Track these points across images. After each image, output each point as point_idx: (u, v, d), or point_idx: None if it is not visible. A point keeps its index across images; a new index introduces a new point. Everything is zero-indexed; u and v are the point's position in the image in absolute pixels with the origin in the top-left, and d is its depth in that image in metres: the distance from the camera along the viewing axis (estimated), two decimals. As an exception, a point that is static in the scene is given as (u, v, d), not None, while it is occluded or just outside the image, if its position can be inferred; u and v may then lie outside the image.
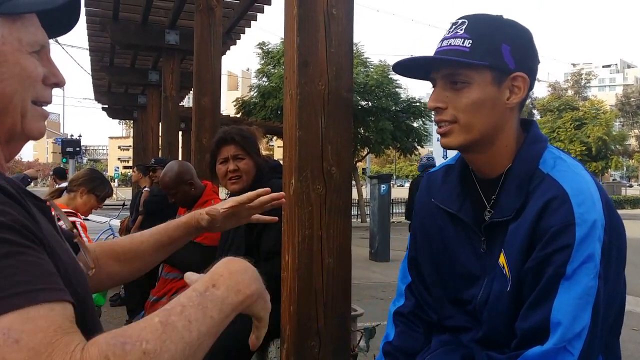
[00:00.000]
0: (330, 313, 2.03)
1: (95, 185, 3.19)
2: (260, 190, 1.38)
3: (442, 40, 1.21)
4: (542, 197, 1.13)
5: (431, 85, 1.25)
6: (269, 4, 6.38)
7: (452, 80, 1.19)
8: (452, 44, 1.18)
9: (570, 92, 41.88)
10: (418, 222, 1.43)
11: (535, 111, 38.25)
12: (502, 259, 1.18)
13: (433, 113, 1.26)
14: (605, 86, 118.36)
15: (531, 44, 1.22)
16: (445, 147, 1.27)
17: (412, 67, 1.29)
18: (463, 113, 1.19)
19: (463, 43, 1.16)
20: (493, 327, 1.21)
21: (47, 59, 0.86)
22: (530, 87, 1.22)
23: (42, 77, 0.84)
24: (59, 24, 0.89)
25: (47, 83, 0.86)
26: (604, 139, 27.78)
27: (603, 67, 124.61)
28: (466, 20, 1.19)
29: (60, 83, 0.88)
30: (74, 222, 2.35)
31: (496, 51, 1.16)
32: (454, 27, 1.21)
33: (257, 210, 1.38)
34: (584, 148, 27.86)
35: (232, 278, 0.77)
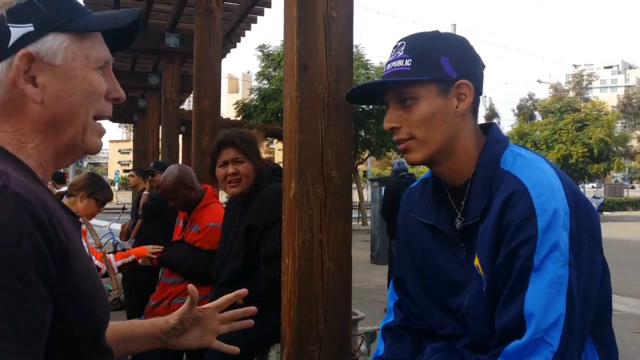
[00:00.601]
0: (331, 317, 2.01)
1: (95, 189, 3.18)
2: (229, 296, 1.36)
3: (387, 64, 1.28)
4: (503, 194, 1.16)
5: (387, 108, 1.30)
6: (269, 6, 6.37)
7: (402, 99, 1.24)
8: (395, 65, 1.24)
9: (571, 94, 41.77)
10: (401, 238, 1.46)
11: (536, 112, 38.21)
12: (476, 261, 1.20)
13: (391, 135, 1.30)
14: (606, 87, 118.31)
15: (469, 51, 1.27)
16: (410, 164, 1.33)
17: (366, 95, 1.37)
18: (417, 129, 1.23)
19: (404, 63, 1.22)
20: (477, 330, 1.21)
21: (109, 75, 0.90)
22: (478, 92, 1.26)
23: (105, 93, 0.88)
24: (119, 41, 0.94)
25: (109, 98, 0.89)
26: (606, 140, 27.71)
27: (605, 68, 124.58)
28: (404, 42, 1.26)
29: (120, 98, 0.91)
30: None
31: (436, 64, 1.21)
32: (394, 50, 1.27)
33: (227, 320, 1.36)
34: (585, 150, 27.77)
35: None
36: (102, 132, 0.91)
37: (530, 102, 41.21)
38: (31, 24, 0.79)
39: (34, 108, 0.82)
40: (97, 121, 0.89)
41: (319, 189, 2.02)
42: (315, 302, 2.00)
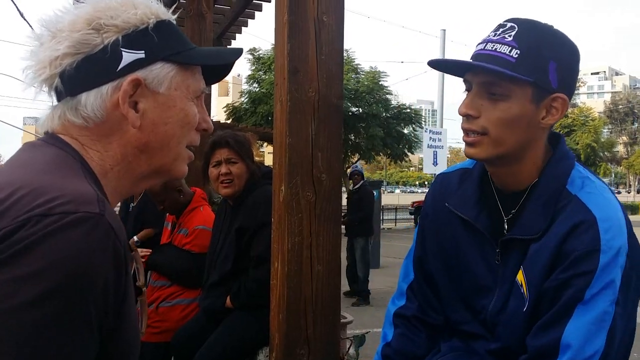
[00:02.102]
0: (320, 321, 2.02)
1: None
2: None
3: (487, 42, 1.15)
4: (569, 220, 1.11)
5: (464, 88, 1.19)
6: (260, 10, 6.37)
7: (490, 91, 1.13)
8: (498, 50, 1.11)
9: (559, 100, 42.38)
10: (429, 223, 1.37)
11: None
12: (520, 277, 1.16)
13: (462, 119, 1.18)
14: (593, 93, 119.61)
15: (577, 62, 1.18)
16: (471, 158, 1.22)
17: (449, 65, 1.25)
18: (496, 126, 1.13)
19: (510, 52, 1.10)
20: (508, 342, 1.20)
21: (201, 106, 0.91)
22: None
23: (197, 123, 0.89)
24: (214, 73, 0.96)
25: (198, 128, 0.90)
26: (593, 145, 28.06)
27: (592, 74, 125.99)
28: (516, 26, 1.12)
29: (209, 130, 0.92)
30: None
31: (543, 67, 1.10)
32: (501, 29, 1.14)
33: None
34: (573, 155, 28.14)
35: None
36: (191, 158, 0.92)
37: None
38: (143, 51, 0.82)
39: (130, 132, 0.82)
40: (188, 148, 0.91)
41: (308, 192, 2.03)
42: (304, 306, 2.00)
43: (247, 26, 7.06)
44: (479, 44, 1.17)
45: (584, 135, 28.35)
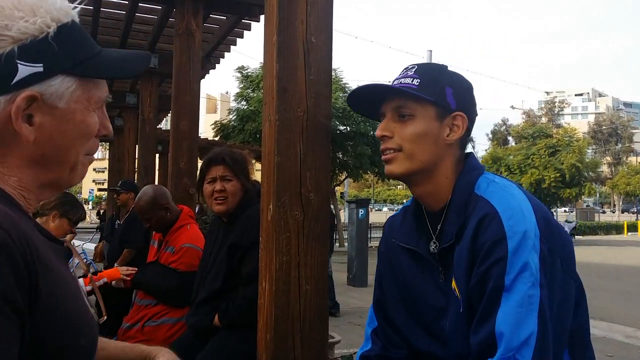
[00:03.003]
0: (308, 342, 2.00)
1: (68, 208, 3.12)
2: None
3: (393, 81, 1.35)
4: (476, 217, 1.21)
5: (381, 118, 1.36)
6: (249, 29, 6.43)
7: (400, 113, 1.31)
8: (402, 82, 1.31)
9: (544, 120, 42.73)
10: (383, 264, 1.49)
11: (510, 137, 38.97)
12: (453, 284, 1.24)
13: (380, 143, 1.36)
14: (577, 114, 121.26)
15: (471, 92, 1.37)
16: (389, 175, 1.36)
17: (363, 101, 1.41)
18: (408, 142, 1.29)
19: (412, 81, 1.30)
20: (458, 350, 1.23)
21: (102, 112, 0.88)
22: (469, 129, 1.34)
23: (96, 131, 0.87)
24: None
25: (98, 135, 0.88)
26: (578, 165, 28.31)
27: (575, 95, 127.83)
28: (416, 66, 1.34)
29: (109, 134, 0.90)
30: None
31: (440, 91, 1.30)
32: (405, 70, 1.35)
33: None
34: (558, 174, 28.30)
35: None
36: (91, 162, 0.90)
37: (504, 127, 42.01)
38: (41, 65, 0.77)
39: (24, 145, 0.80)
40: (88, 155, 0.89)
41: (297, 211, 2.03)
42: (292, 326, 1.99)
43: (235, 45, 7.12)
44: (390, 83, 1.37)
45: (568, 155, 28.63)
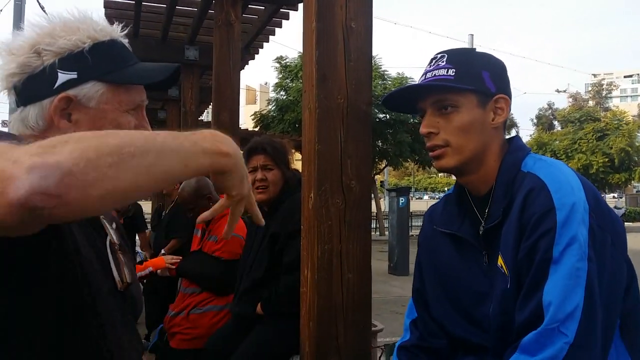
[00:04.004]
0: (351, 329, 2.00)
1: None
2: None
3: (425, 74, 1.31)
4: (523, 191, 1.19)
5: (420, 115, 1.33)
6: (287, 18, 6.41)
7: (442, 106, 1.28)
8: (437, 74, 1.28)
9: (591, 103, 41.23)
10: (423, 252, 1.47)
11: (555, 122, 37.80)
12: (500, 261, 1.21)
13: (425, 140, 1.33)
14: (627, 96, 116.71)
15: (505, 72, 1.34)
16: (440, 170, 1.35)
17: (400, 99, 1.38)
18: (454, 136, 1.26)
19: (447, 72, 1.27)
20: (505, 332, 1.20)
21: (141, 115, 1.03)
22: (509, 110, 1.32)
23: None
24: (157, 85, 1.07)
25: None
26: (627, 150, 27.26)
27: (624, 77, 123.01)
28: (445, 54, 1.31)
29: None
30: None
31: (478, 77, 1.27)
32: (434, 60, 1.32)
33: None
34: (606, 159, 27.34)
35: (214, 136, 0.80)
36: None
37: (550, 111, 40.74)
38: (75, 73, 0.95)
39: None
40: None
41: (338, 199, 2.02)
42: (334, 314, 1.99)
43: (274, 35, 7.12)
44: (419, 79, 1.34)
45: (617, 139, 27.57)
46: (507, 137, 1.37)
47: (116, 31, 1.02)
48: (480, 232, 1.29)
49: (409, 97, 1.34)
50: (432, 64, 1.31)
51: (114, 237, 1.06)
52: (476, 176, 1.31)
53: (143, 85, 1.03)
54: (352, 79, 2.06)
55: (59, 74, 0.95)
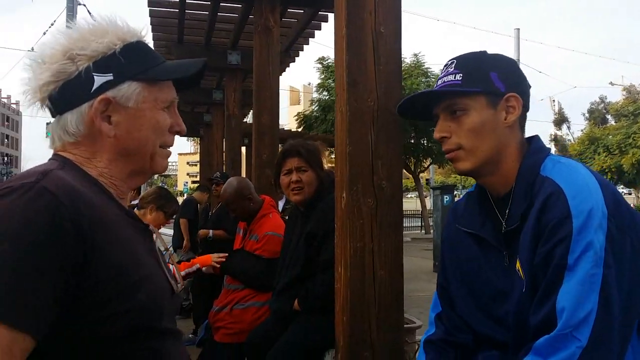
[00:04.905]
0: (383, 325, 2.07)
1: (163, 202, 3.39)
2: None
3: (437, 80, 1.36)
4: (541, 197, 1.21)
5: (436, 121, 1.37)
6: (326, 20, 6.50)
7: (452, 110, 1.31)
8: (446, 80, 1.32)
9: (647, 95, 39.56)
10: (446, 249, 1.50)
11: (608, 116, 36.43)
12: (517, 265, 1.24)
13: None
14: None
15: (516, 69, 1.36)
16: (459, 173, 1.38)
17: (415, 107, 1.42)
18: (466, 138, 1.30)
19: (455, 77, 1.30)
20: (520, 334, 1.23)
21: (174, 112, 1.07)
22: (525, 107, 1.33)
23: (169, 127, 1.05)
24: (186, 82, 1.11)
25: (172, 131, 1.07)
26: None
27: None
28: (455, 60, 1.35)
29: (181, 131, 1.09)
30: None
31: (486, 78, 1.30)
32: (445, 67, 1.36)
33: None
34: (663, 154, 26.20)
35: None
36: (168, 154, 1.08)
37: (602, 105, 39.28)
38: (111, 74, 0.97)
39: (109, 141, 1.00)
40: (163, 148, 1.07)
41: (369, 199, 2.09)
42: (367, 310, 2.06)
43: (314, 37, 7.22)
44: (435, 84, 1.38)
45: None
46: (527, 136, 1.38)
47: (140, 31, 1.04)
48: (502, 232, 1.32)
49: (424, 105, 1.39)
50: (443, 70, 1.36)
51: (162, 243, 1.13)
52: (495, 177, 1.33)
53: (175, 82, 1.07)
54: (382, 82, 2.13)
55: (95, 77, 0.96)
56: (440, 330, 1.49)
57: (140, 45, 1.02)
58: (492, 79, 1.30)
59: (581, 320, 1.10)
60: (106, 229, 0.89)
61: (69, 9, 12.38)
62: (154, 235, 1.09)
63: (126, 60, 0.99)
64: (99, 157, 1.00)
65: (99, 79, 0.97)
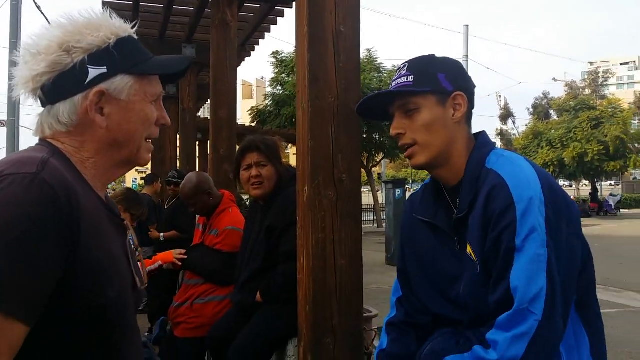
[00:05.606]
0: (344, 312, 2.15)
1: (132, 204, 3.39)
2: None
3: (392, 82, 1.49)
4: (486, 188, 1.34)
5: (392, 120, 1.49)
6: (282, 15, 6.54)
7: (406, 110, 1.44)
8: (399, 82, 1.45)
9: (587, 91, 41.19)
10: (405, 237, 1.62)
11: (551, 111, 37.87)
12: (469, 249, 1.36)
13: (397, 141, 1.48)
14: (623, 84, 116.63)
15: (462, 70, 1.51)
16: (414, 168, 1.50)
17: (373, 108, 1.54)
18: (420, 134, 1.43)
19: (407, 79, 1.44)
20: (477, 310, 1.35)
21: (159, 105, 1.12)
22: (471, 104, 1.47)
23: (155, 120, 1.10)
24: (170, 77, 1.15)
25: (158, 124, 1.11)
26: (622, 137, 27.36)
27: (621, 64, 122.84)
28: (407, 64, 1.48)
29: (167, 124, 1.13)
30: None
31: (434, 79, 1.43)
32: (398, 70, 1.49)
33: None
34: (601, 147, 27.40)
35: None
36: (150, 149, 1.12)
37: (545, 100, 40.76)
38: (105, 67, 1.01)
39: (100, 132, 1.03)
40: (147, 141, 1.11)
41: (330, 192, 2.17)
42: (329, 298, 2.14)
43: (269, 31, 7.24)
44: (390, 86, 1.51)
45: (612, 127, 27.60)
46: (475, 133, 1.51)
47: (130, 27, 1.08)
48: (453, 220, 1.45)
49: (380, 105, 1.51)
50: (396, 73, 1.49)
51: (134, 238, 1.15)
52: (446, 170, 1.46)
53: (160, 77, 1.11)
54: (342, 79, 2.20)
55: (90, 69, 0.99)
56: (400, 312, 1.61)
57: (131, 40, 1.06)
58: (440, 80, 1.43)
59: (535, 296, 1.22)
60: (90, 222, 0.93)
61: (13, -3, 11.87)
62: (128, 232, 1.12)
63: (119, 54, 1.02)
64: (87, 146, 1.03)
65: (93, 72, 1.00)
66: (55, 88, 1.00)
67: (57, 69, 0.99)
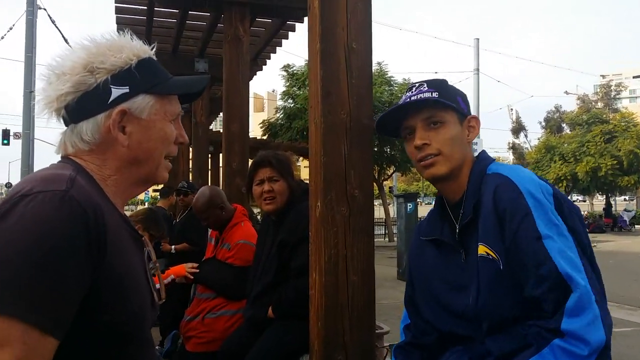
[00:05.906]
0: (356, 327, 2.14)
1: (151, 225, 3.44)
2: None
3: (409, 97, 1.52)
4: (491, 187, 1.40)
5: (408, 133, 1.54)
6: (294, 30, 6.60)
7: (431, 122, 1.50)
8: (422, 96, 1.50)
9: (600, 105, 40.89)
10: (412, 261, 1.67)
11: (564, 125, 37.64)
12: (482, 249, 1.37)
13: (416, 153, 1.53)
14: (636, 97, 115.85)
15: (467, 100, 1.60)
16: (431, 177, 1.52)
17: (386, 124, 1.58)
18: (446, 146, 1.49)
19: (432, 94, 1.49)
20: (496, 316, 1.36)
21: (178, 123, 1.15)
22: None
23: (175, 138, 1.13)
24: (189, 97, 1.21)
25: (176, 142, 1.14)
26: (636, 152, 27.06)
27: (634, 77, 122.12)
28: (424, 82, 1.54)
29: (185, 142, 1.16)
30: None
31: (455, 99, 1.52)
32: (416, 87, 1.54)
33: None
34: (615, 162, 27.10)
35: None
36: (169, 168, 1.15)
37: (557, 114, 40.51)
38: (127, 87, 1.05)
39: (121, 150, 1.06)
40: (166, 159, 1.13)
41: (342, 207, 2.17)
42: (341, 314, 2.14)
43: (281, 45, 7.31)
44: (400, 101, 1.54)
45: (625, 141, 27.32)
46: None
47: (150, 48, 1.13)
48: (457, 231, 1.48)
49: (394, 120, 1.56)
50: (413, 90, 1.53)
51: (152, 253, 1.17)
52: (454, 183, 1.52)
53: (178, 96, 1.14)
54: (354, 95, 2.22)
55: (113, 89, 1.03)
56: (407, 337, 1.66)
57: (151, 60, 1.10)
58: (459, 101, 1.53)
59: (584, 279, 1.26)
60: (114, 239, 0.95)
61: (29, 12, 12.10)
62: (146, 248, 1.14)
63: (140, 74, 1.06)
64: (108, 164, 1.06)
65: (116, 91, 1.04)
66: (79, 107, 1.03)
67: (81, 89, 1.02)
